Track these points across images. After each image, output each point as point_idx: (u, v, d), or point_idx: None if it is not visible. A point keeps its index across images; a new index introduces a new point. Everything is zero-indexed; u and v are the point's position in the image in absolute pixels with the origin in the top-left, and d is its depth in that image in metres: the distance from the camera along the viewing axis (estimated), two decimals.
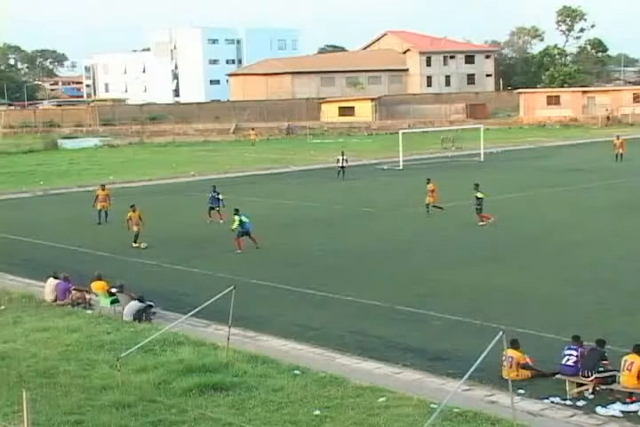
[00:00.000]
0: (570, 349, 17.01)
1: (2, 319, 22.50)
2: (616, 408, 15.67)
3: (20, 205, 45.80)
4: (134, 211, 32.42)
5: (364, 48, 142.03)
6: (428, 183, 37.38)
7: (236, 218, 30.42)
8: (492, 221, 34.31)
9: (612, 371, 16.43)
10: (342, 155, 53.34)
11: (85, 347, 19.69)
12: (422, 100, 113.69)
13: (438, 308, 22.67)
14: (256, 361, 18.40)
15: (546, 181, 49.06)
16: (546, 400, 16.21)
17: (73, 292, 24.00)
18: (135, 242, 32.09)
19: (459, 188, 42.16)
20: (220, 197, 37.02)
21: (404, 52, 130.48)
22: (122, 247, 32.20)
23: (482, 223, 34.28)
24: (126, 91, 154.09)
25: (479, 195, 34.52)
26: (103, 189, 38.24)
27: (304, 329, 21.26)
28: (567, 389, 16.51)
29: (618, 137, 59.09)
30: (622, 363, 16.24)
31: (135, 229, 32.15)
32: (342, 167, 52.69)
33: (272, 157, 66.97)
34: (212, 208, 36.90)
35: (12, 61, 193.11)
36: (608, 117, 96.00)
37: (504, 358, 16.84)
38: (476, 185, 34.86)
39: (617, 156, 57.09)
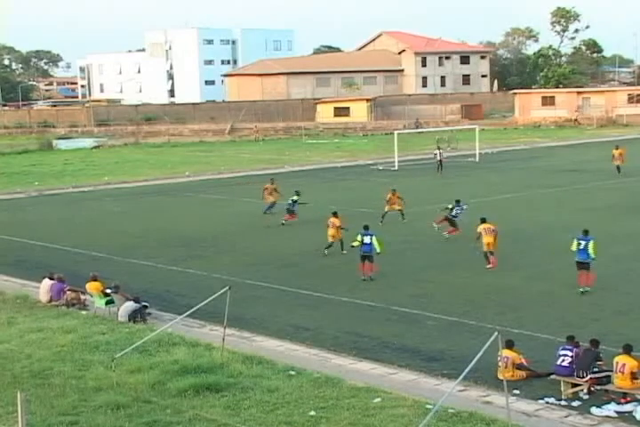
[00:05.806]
0: (565, 349, 17.02)
1: None
2: (611, 409, 15.71)
3: (15, 205, 45.71)
4: (336, 217, 30.06)
5: (360, 49, 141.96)
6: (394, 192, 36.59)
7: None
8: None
9: (606, 371, 16.44)
10: (439, 148, 52.18)
11: (80, 348, 19.67)
12: (417, 100, 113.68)
13: (433, 308, 22.69)
14: (251, 362, 18.40)
15: (541, 181, 49.08)
16: (541, 401, 16.24)
17: (68, 292, 23.98)
18: (327, 249, 29.95)
19: (454, 188, 42.14)
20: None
21: (400, 53, 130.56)
22: (117, 248, 32.17)
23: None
24: (121, 91, 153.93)
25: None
26: (272, 183, 40.35)
27: (299, 330, 21.26)
28: (562, 389, 16.54)
29: (617, 147, 51.04)
30: (614, 365, 16.23)
31: (330, 239, 29.77)
32: (440, 161, 51.91)
33: (267, 158, 66.95)
34: (291, 210, 36.79)
35: (6, 62, 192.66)
36: (575, 120, 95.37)
37: (499, 358, 16.86)
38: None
39: (617, 168, 49.87)
